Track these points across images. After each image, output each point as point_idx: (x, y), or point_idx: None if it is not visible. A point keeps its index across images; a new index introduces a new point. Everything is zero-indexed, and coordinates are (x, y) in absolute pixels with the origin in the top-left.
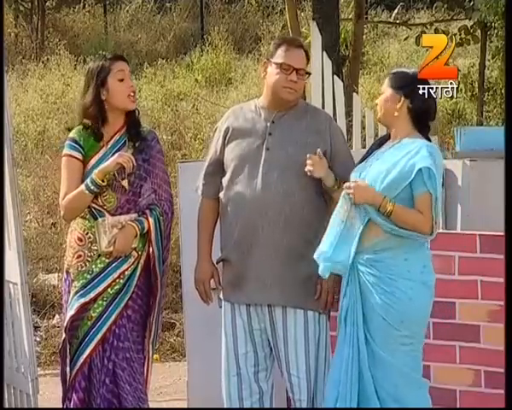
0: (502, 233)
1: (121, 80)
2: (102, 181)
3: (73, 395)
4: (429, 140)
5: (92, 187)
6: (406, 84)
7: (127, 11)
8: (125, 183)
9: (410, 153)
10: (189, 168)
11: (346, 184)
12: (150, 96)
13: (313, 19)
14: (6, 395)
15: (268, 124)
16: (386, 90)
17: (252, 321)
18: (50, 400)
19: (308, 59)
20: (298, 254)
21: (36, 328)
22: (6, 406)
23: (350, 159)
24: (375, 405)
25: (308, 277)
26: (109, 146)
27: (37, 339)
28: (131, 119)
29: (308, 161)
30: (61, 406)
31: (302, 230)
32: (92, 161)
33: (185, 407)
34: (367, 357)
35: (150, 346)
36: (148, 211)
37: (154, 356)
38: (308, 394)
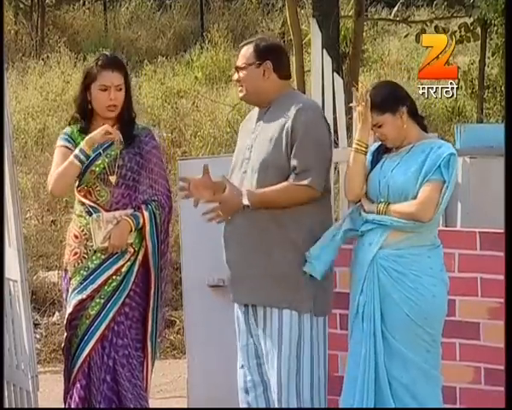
0: (502, 230)
1: (105, 90)
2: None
3: (74, 393)
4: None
5: (82, 156)
6: (400, 98)
7: (127, 8)
8: (112, 178)
9: (433, 149)
10: (189, 165)
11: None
12: (150, 93)
13: (313, 16)
14: (6, 393)
15: (256, 122)
16: (385, 119)
17: (249, 316)
18: (50, 397)
19: (255, 50)
20: (266, 253)
21: (36, 325)
22: (6, 403)
23: (308, 154)
24: (389, 403)
25: (281, 275)
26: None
27: (37, 336)
28: (123, 120)
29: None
30: (60, 403)
31: (270, 229)
32: None
33: (185, 405)
34: (383, 353)
35: (149, 343)
36: (143, 205)
37: None
38: (278, 394)
